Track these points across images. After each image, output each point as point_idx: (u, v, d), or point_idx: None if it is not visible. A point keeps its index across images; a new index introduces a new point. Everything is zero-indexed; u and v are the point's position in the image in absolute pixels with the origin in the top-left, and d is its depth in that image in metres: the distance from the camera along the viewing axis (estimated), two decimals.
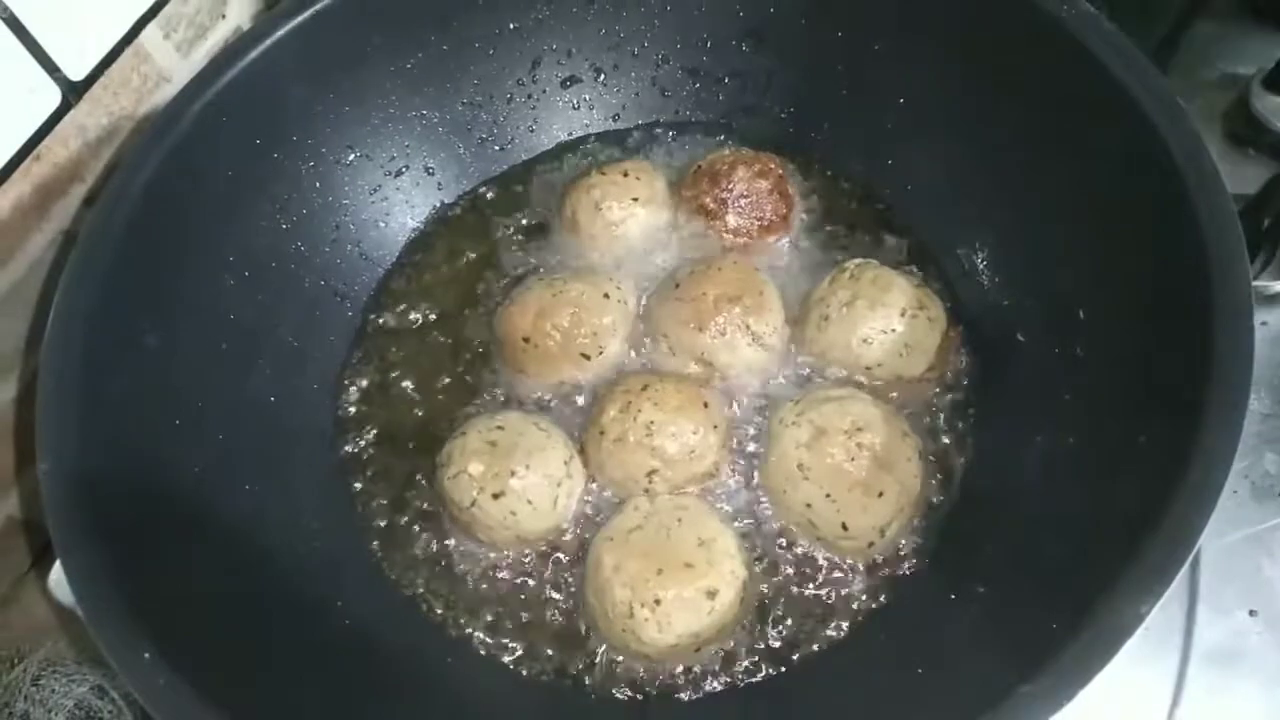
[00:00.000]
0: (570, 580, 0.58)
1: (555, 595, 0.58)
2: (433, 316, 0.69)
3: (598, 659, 0.56)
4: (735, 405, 0.61)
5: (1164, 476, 0.42)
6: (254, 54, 0.61)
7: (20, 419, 0.68)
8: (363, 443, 0.65)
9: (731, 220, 0.66)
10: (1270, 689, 0.59)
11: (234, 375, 0.60)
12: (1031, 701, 0.37)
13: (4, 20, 0.58)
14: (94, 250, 0.55)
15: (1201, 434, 0.42)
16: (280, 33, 0.62)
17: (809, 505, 0.55)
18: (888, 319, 0.59)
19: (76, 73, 0.64)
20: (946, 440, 0.60)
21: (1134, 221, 0.52)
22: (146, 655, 0.41)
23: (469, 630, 0.58)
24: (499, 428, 0.58)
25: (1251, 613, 0.61)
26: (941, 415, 0.61)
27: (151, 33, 0.67)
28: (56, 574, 0.69)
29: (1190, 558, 0.40)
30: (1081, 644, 0.38)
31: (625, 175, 0.67)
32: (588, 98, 0.74)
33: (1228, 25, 0.84)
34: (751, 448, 0.60)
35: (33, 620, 0.69)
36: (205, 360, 0.59)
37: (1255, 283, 0.69)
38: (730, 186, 0.65)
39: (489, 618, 0.58)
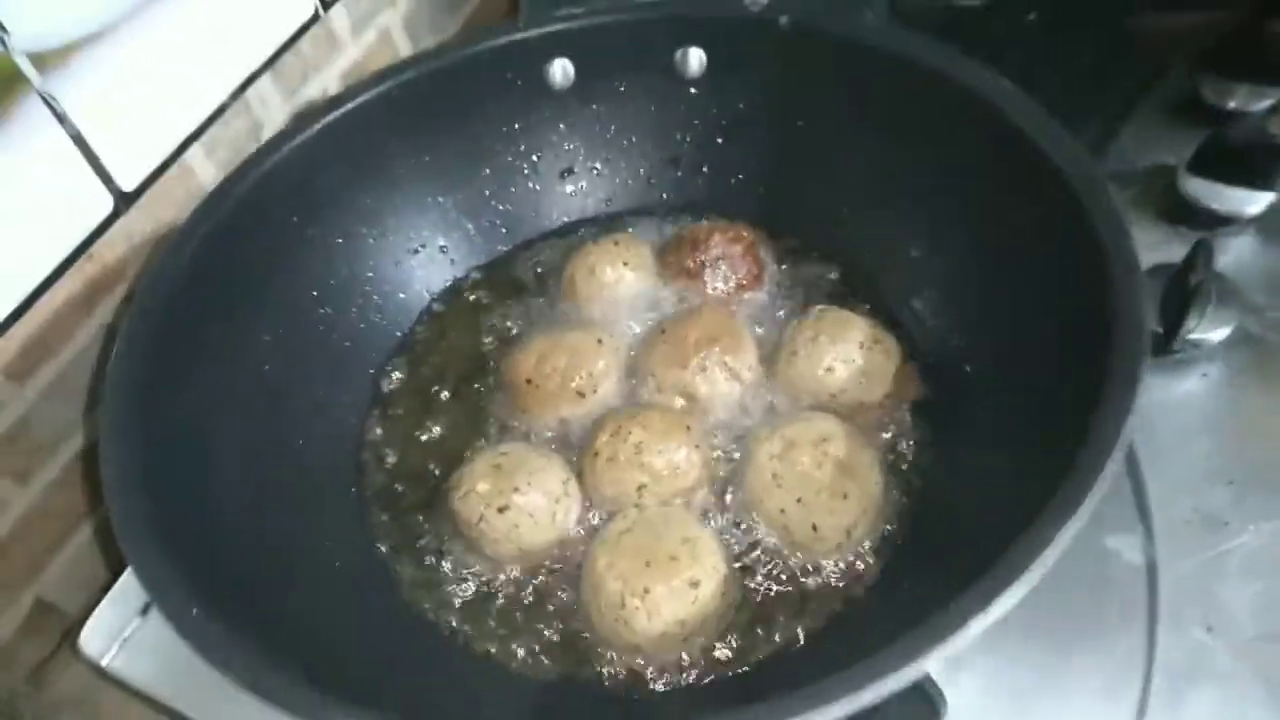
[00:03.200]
0: (568, 589, 0.63)
1: (555, 603, 0.63)
2: (445, 373, 0.76)
3: (595, 656, 0.60)
4: (716, 432, 0.68)
5: (1074, 456, 0.48)
6: (292, 145, 0.70)
7: (55, 505, 0.73)
8: (380, 480, 0.71)
9: (709, 279, 0.74)
10: (1228, 691, 0.62)
11: (266, 419, 0.67)
12: (958, 612, 0.42)
13: (70, 136, 0.66)
14: (149, 303, 0.62)
15: (1097, 428, 0.48)
16: (313, 130, 0.71)
17: (782, 510, 0.61)
18: (848, 350, 0.66)
19: (128, 184, 0.71)
20: (906, 453, 0.66)
21: (1055, 274, 0.59)
22: (195, 610, 0.47)
23: (476, 638, 0.62)
24: (503, 454, 0.64)
25: (1208, 629, 0.65)
26: (901, 434, 0.67)
27: (195, 152, 0.76)
28: (87, 633, 0.75)
29: (1086, 505, 0.45)
30: (1004, 563, 0.43)
31: (616, 244, 0.76)
32: (583, 186, 0.83)
33: (1155, 123, 0.93)
34: (730, 468, 0.66)
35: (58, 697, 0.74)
36: (242, 404, 0.65)
37: (1191, 336, 0.77)
38: (708, 250, 0.74)
39: (495, 626, 0.63)
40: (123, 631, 0.75)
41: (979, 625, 0.42)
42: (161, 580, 0.49)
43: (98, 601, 0.74)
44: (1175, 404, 0.76)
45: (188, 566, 0.50)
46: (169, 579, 0.49)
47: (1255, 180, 0.84)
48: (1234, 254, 0.83)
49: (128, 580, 0.77)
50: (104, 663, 0.74)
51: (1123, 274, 0.54)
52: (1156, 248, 0.83)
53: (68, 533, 0.76)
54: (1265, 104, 0.89)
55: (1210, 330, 0.77)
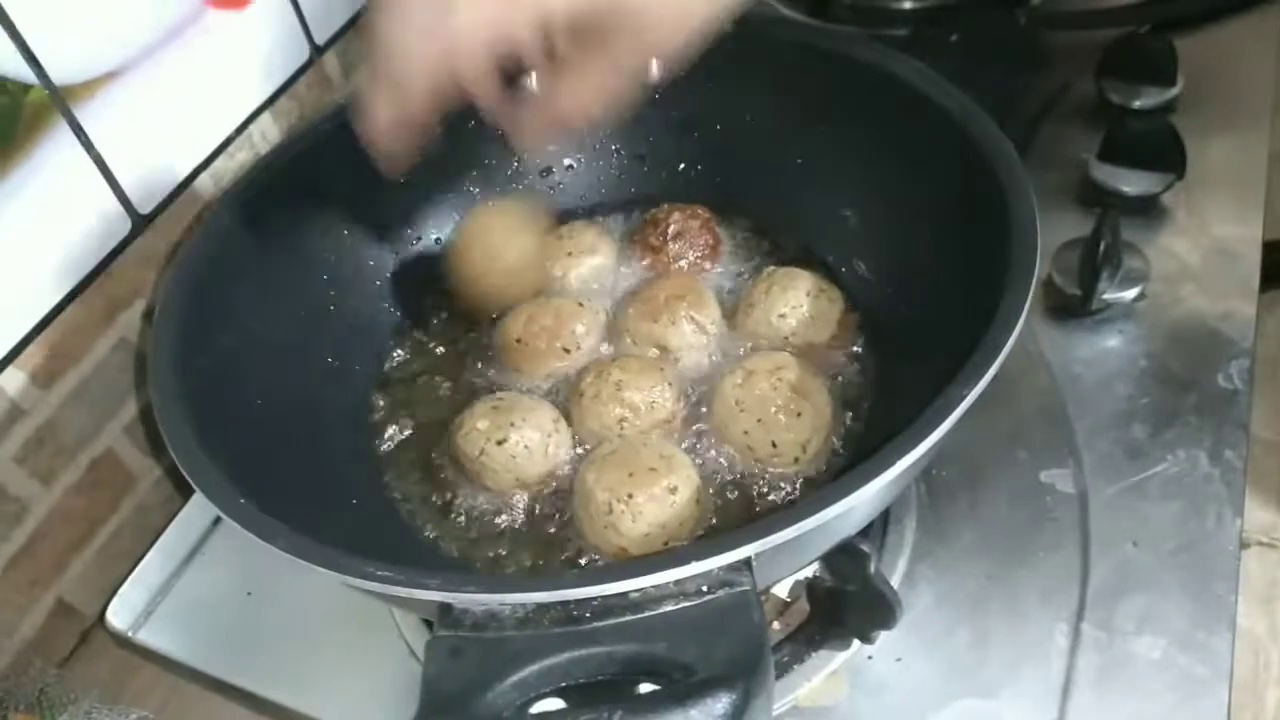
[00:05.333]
0: (561, 513, 0.70)
1: (551, 525, 0.70)
2: (443, 349, 0.84)
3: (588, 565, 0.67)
4: (686, 375, 0.76)
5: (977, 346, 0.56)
6: (304, 145, 0.79)
7: (75, 507, 0.78)
8: (388, 435, 0.78)
9: (672, 253, 0.83)
10: (1155, 595, 0.70)
11: (288, 379, 0.74)
12: (888, 452, 0.50)
13: (95, 162, 0.73)
14: (184, 274, 0.70)
15: (990, 341, 0.55)
16: (322, 132, 0.80)
17: (746, 432, 0.69)
18: (797, 298, 0.76)
19: (145, 207, 0.77)
20: (853, 383, 0.75)
21: (970, 222, 0.68)
22: (242, 500, 0.54)
23: (479, 560, 0.69)
24: (500, 398, 0.73)
25: (1134, 543, 0.74)
26: (848, 368, 0.76)
27: (204, 180, 0.83)
28: (114, 608, 0.81)
29: (983, 382, 0.53)
30: (925, 416, 0.51)
31: (587, 228, 0.85)
32: (561, 184, 0.92)
33: (1069, 125, 1.04)
34: (699, 405, 0.74)
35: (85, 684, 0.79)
36: (265, 364, 0.73)
37: (1105, 296, 0.86)
38: (668, 228, 0.83)
39: (497, 550, 0.70)
40: (149, 606, 0.81)
41: (906, 461, 0.50)
42: (213, 481, 0.56)
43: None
44: (1097, 357, 0.86)
45: (231, 477, 0.57)
46: (219, 481, 0.56)
47: (1157, 164, 0.94)
48: (1143, 229, 0.93)
49: (151, 559, 0.83)
50: (131, 634, 0.80)
51: (1019, 204, 0.63)
52: (1074, 227, 0.93)
53: (86, 538, 0.82)
54: (1164, 99, 1.01)
55: (1122, 290, 0.87)
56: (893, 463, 0.49)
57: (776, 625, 0.73)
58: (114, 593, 0.81)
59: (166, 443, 0.58)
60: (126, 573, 0.82)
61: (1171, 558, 0.73)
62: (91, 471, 0.80)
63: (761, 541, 0.47)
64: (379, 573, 0.49)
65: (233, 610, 0.80)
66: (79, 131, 0.72)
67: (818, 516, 0.47)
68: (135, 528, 0.85)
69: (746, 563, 0.47)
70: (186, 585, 0.83)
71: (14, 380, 0.72)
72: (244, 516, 0.53)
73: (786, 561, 0.59)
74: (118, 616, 0.82)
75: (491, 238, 0.73)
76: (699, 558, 0.46)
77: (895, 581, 0.74)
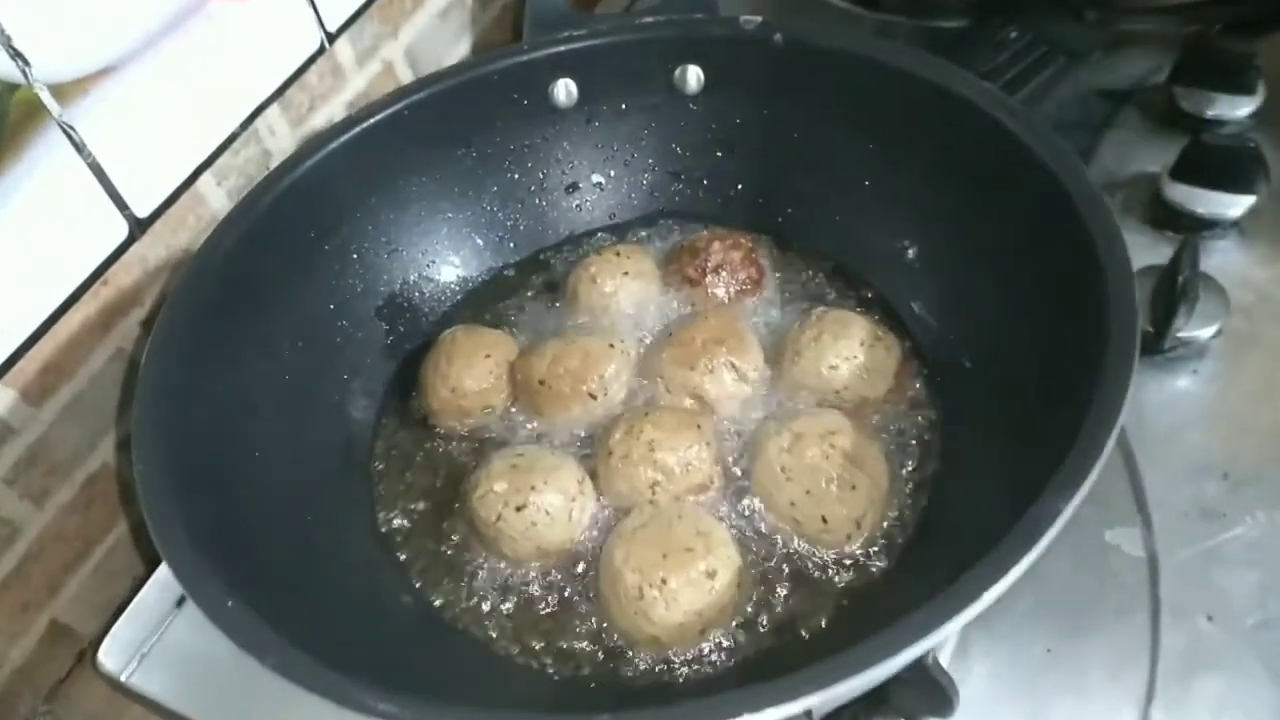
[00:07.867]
0: (586, 588, 0.65)
1: (574, 602, 0.64)
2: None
3: (616, 651, 0.62)
4: (725, 431, 0.70)
5: (1072, 442, 0.50)
6: (309, 163, 0.73)
7: (69, 526, 0.74)
8: (395, 488, 0.73)
9: (711, 286, 0.76)
10: (1231, 677, 0.64)
11: (288, 422, 0.69)
12: (971, 581, 0.44)
13: (88, 165, 0.68)
14: (179, 310, 0.65)
15: (1090, 422, 0.50)
16: (328, 149, 0.74)
17: (793, 504, 0.63)
18: (850, 348, 0.68)
19: (142, 210, 0.72)
20: (912, 446, 0.68)
21: (1048, 268, 0.62)
22: (230, 602, 0.49)
23: (497, 638, 0.64)
24: (519, 454, 0.66)
25: (1209, 618, 0.67)
26: (906, 428, 0.69)
27: (206, 180, 0.78)
28: (106, 649, 0.76)
29: (1089, 480, 0.47)
30: (1014, 535, 0.45)
31: (617, 255, 0.78)
32: (588, 201, 0.86)
33: (1136, 133, 0.96)
34: (740, 466, 0.68)
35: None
36: (265, 407, 0.68)
37: (1180, 334, 0.79)
38: (708, 258, 0.76)
39: (514, 627, 0.64)
40: (141, 647, 0.76)
41: (993, 594, 0.44)
42: (197, 576, 0.50)
43: (110, 623, 0.75)
44: (1168, 400, 0.78)
45: (218, 562, 0.52)
46: (204, 575, 0.50)
47: (1236, 184, 0.86)
48: (1218, 255, 0.85)
49: (144, 597, 0.78)
50: (123, 678, 0.75)
51: (1113, 263, 0.57)
52: (1144, 251, 0.85)
53: (81, 556, 0.77)
54: (1243, 111, 0.92)
55: (1198, 328, 0.79)
56: (977, 596, 0.43)
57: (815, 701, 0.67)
58: (111, 611, 0.77)
59: (152, 533, 0.52)
60: (124, 592, 0.78)
61: (1252, 635, 0.66)
62: (86, 489, 0.76)
63: (825, 691, 0.41)
64: (381, 706, 0.43)
65: (229, 653, 0.75)
66: (70, 133, 0.67)
67: (890, 663, 0.41)
68: (132, 544, 0.81)
69: (807, 713, 0.41)
70: (182, 624, 0.77)
71: (3, 399, 0.68)
72: (233, 624, 0.47)
73: (844, 694, 0.52)
74: (110, 658, 0.76)
75: (453, 365, 0.74)
76: (752, 709, 0.40)
77: (946, 654, 0.68)
